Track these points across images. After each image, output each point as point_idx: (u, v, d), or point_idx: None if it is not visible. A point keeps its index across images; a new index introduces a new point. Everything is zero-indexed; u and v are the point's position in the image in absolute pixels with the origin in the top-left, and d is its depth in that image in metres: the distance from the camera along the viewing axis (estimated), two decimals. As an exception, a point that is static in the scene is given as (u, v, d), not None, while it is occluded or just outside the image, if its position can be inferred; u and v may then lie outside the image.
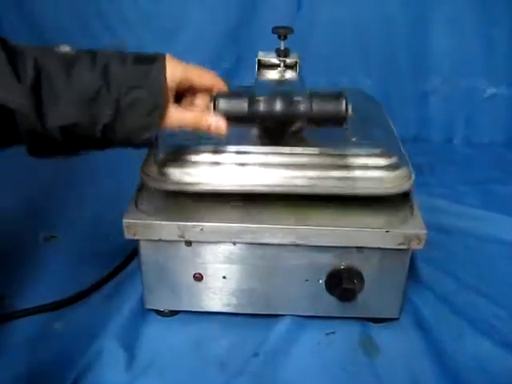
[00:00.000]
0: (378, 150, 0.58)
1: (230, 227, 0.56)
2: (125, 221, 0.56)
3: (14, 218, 0.83)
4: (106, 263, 0.72)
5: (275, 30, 0.60)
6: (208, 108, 0.53)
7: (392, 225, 0.56)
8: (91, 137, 0.46)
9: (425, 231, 0.55)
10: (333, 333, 0.64)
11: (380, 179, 0.57)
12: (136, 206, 0.59)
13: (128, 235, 0.57)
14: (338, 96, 0.56)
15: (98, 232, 0.81)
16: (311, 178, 0.56)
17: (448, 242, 0.80)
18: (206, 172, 0.56)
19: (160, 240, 0.57)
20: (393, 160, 0.57)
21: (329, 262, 0.58)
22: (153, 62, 0.46)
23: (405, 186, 0.57)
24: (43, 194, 0.91)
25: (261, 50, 0.62)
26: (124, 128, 0.46)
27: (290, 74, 0.62)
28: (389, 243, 0.56)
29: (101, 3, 1.06)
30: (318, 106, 0.55)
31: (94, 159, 1.07)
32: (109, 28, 1.08)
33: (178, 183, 0.56)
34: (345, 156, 0.57)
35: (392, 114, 1.11)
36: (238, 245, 0.58)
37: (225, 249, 0.58)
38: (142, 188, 0.62)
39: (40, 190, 0.92)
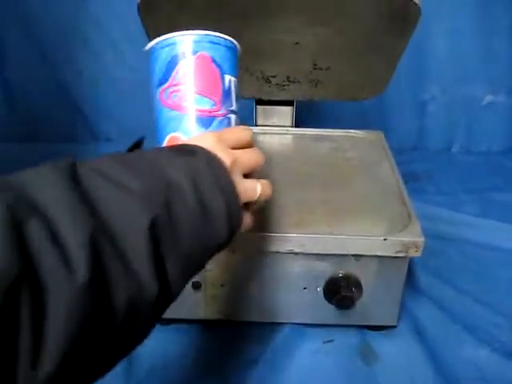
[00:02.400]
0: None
1: (229, 235, 0.56)
2: (124, 229, 0.56)
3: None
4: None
5: None
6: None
7: (390, 233, 0.56)
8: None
9: (423, 239, 0.55)
10: (331, 341, 0.64)
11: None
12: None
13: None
14: None
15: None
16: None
17: (446, 249, 0.80)
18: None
19: (159, 248, 0.57)
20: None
21: (327, 269, 0.58)
22: (196, 155, 0.36)
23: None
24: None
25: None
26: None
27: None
28: (387, 251, 0.56)
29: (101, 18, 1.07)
30: None
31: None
32: (111, 43, 1.09)
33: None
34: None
35: (391, 123, 1.13)
36: (236, 253, 0.58)
37: (223, 257, 0.59)
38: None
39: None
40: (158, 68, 0.43)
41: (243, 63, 0.73)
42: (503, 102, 1.11)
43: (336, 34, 0.66)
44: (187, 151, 0.36)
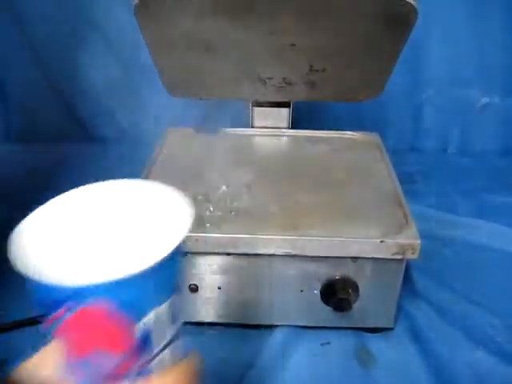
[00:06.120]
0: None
1: (225, 238, 0.56)
2: (120, 232, 0.56)
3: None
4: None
5: None
6: None
7: (386, 235, 0.56)
8: None
9: (419, 241, 0.55)
10: (328, 343, 0.63)
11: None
12: (131, 216, 0.59)
13: (123, 246, 0.57)
14: None
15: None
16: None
17: (442, 251, 0.80)
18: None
19: (155, 251, 0.57)
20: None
21: (323, 272, 0.58)
22: None
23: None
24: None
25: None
26: None
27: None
28: (383, 253, 0.56)
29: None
30: None
31: (95, 166, 1.06)
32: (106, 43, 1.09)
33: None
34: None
35: (387, 124, 1.13)
36: (232, 255, 0.58)
37: (220, 259, 0.58)
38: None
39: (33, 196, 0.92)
40: None
41: (240, 65, 0.73)
42: (498, 104, 1.11)
43: (333, 35, 0.66)
44: None
